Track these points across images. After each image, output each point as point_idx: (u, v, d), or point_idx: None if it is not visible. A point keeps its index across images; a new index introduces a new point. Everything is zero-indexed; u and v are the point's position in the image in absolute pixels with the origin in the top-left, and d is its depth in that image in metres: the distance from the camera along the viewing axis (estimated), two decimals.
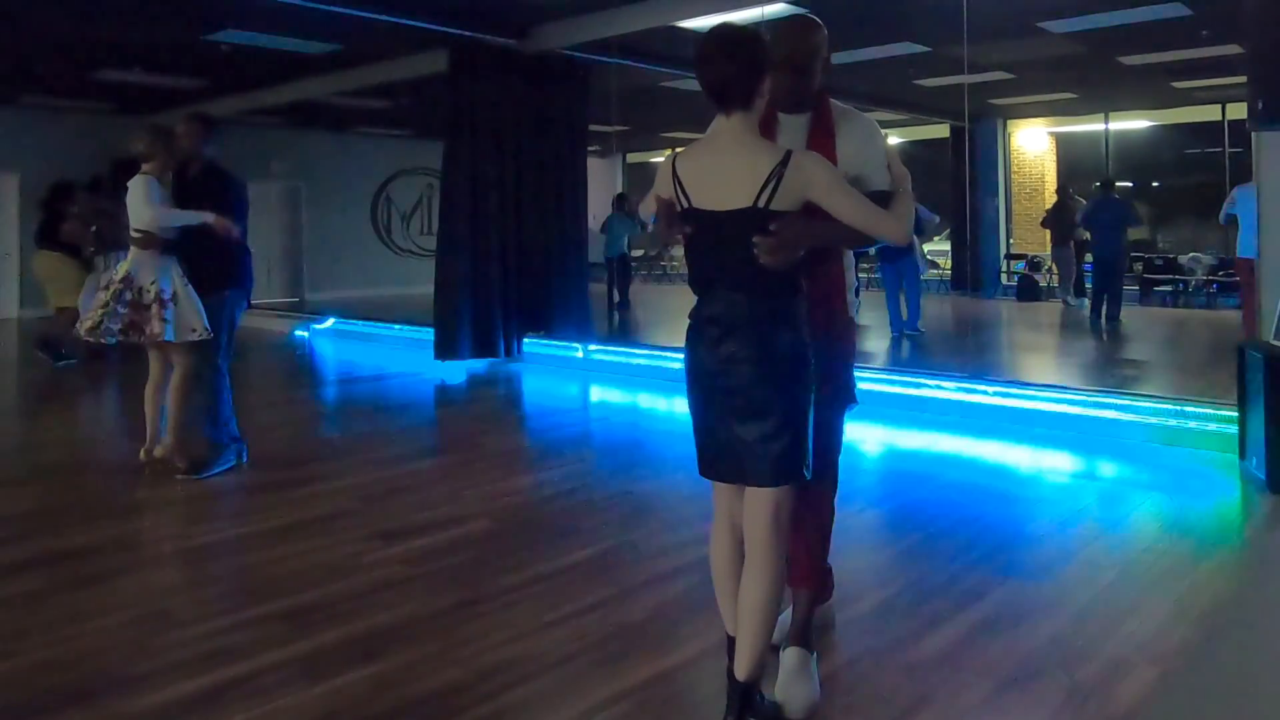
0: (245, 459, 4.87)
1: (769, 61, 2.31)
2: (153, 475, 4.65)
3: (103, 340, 4.58)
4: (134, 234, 4.57)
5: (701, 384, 2.37)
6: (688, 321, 2.39)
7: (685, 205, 2.36)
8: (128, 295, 4.49)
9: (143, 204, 4.51)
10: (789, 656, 2.55)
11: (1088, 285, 12.10)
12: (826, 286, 2.62)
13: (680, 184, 2.36)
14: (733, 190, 2.28)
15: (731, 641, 2.39)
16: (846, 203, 2.31)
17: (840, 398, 2.68)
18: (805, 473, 2.34)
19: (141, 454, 4.75)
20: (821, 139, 2.56)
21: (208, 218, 4.52)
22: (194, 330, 4.56)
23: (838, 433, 2.72)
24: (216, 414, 4.73)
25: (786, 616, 2.69)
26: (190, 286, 4.59)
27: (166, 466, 4.66)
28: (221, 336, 4.70)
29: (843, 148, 2.56)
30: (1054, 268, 13.00)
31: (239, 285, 4.81)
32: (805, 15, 2.69)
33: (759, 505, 2.33)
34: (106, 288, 4.59)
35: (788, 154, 2.28)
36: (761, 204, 2.25)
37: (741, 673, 2.30)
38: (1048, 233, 12.72)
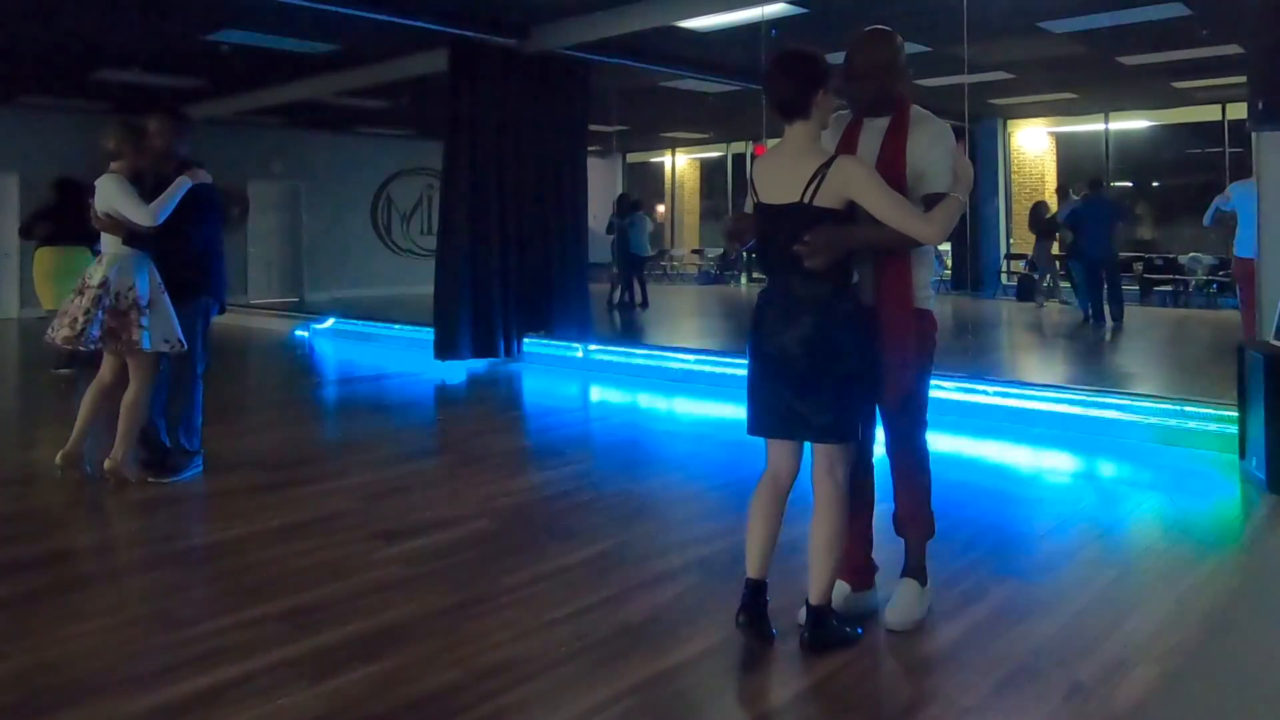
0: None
1: (825, 77, 2.69)
2: (104, 486, 4.51)
3: (82, 347, 4.44)
4: (111, 232, 4.45)
5: (759, 353, 2.75)
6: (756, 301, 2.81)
7: (755, 200, 2.79)
8: (107, 301, 4.36)
9: (134, 206, 4.38)
10: (901, 585, 2.99)
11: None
12: (890, 282, 2.81)
13: (753, 182, 2.80)
14: (788, 187, 2.69)
15: (749, 584, 2.75)
16: (883, 202, 2.64)
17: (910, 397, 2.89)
18: (851, 436, 2.72)
19: (58, 457, 4.56)
20: (894, 140, 2.83)
21: (183, 184, 4.45)
22: (168, 341, 4.44)
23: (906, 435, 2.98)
24: (192, 421, 4.71)
25: (859, 599, 3.02)
26: (166, 295, 4.48)
27: (118, 479, 4.52)
28: (198, 343, 4.66)
29: (911, 148, 2.81)
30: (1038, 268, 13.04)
31: (213, 292, 4.77)
32: (876, 29, 2.93)
33: (816, 457, 2.75)
34: (81, 293, 4.43)
35: (832, 157, 2.67)
36: (807, 199, 2.65)
37: (813, 598, 2.72)
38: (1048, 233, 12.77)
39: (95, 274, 4.45)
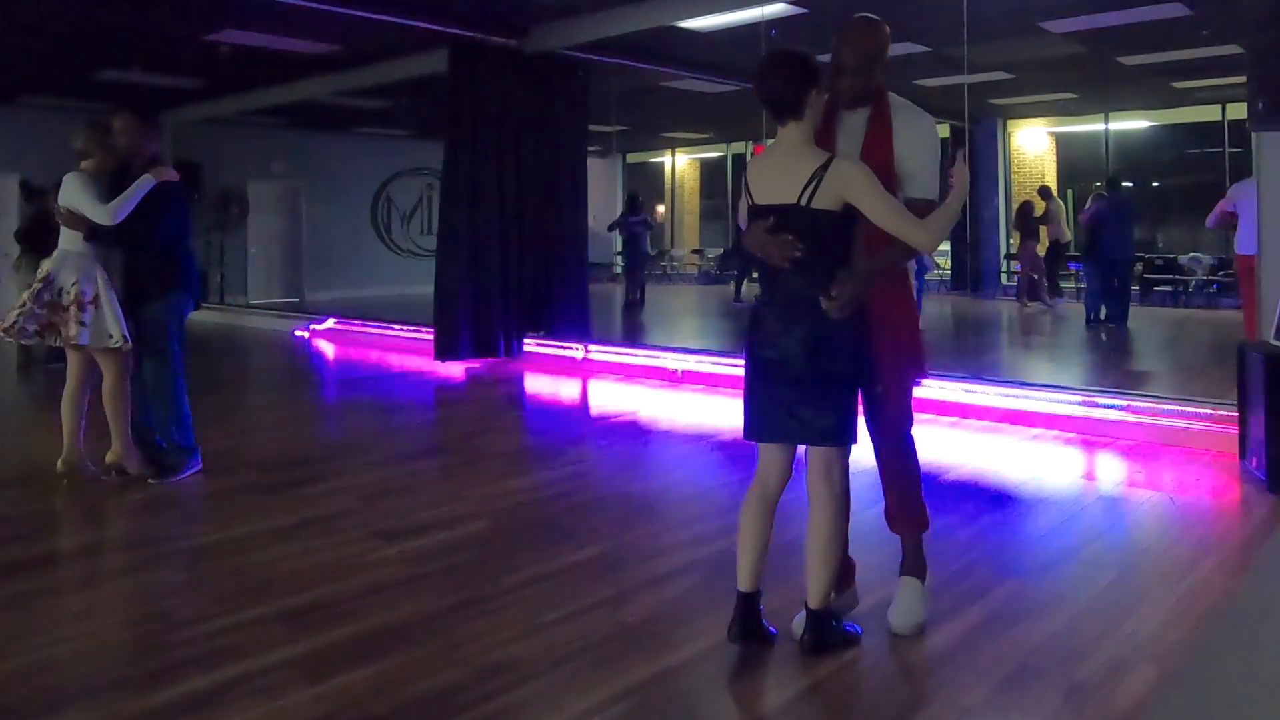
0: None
1: (817, 76, 2.65)
2: (104, 486, 4.55)
3: (18, 340, 4.51)
4: (70, 230, 4.45)
5: (758, 357, 2.74)
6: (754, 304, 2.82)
7: (750, 202, 2.76)
8: (46, 296, 4.37)
9: (91, 204, 4.38)
10: (903, 585, 2.95)
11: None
12: (885, 280, 2.81)
13: (747, 184, 2.77)
14: (783, 188, 2.65)
15: (740, 596, 2.72)
16: (880, 207, 2.60)
17: (908, 375, 2.93)
18: (849, 439, 2.73)
19: (59, 465, 4.57)
20: (879, 133, 2.80)
21: (146, 182, 4.44)
22: (111, 337, 4.41)
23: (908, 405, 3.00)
24: (179, 418, 4.69)
25: (840, 600, 2.95)
26: (113, 293, 4.45)
27: (120, 473, 4.57)
28: (173, 342, 4.63)
29: (898, 142, 2.77)
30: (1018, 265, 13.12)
31: (184, 288, 4.74)
32: (864, 16, 2.86)
33: (811, 460, 2.76)
34: (28, 288, 4.48)
35: (830, 159, 2.63)
36: (804, 202, 2.61)
37: (812, 601, 2.70)
38: (1044, 232, 12.79)
39: (44, 268, 4.49)
